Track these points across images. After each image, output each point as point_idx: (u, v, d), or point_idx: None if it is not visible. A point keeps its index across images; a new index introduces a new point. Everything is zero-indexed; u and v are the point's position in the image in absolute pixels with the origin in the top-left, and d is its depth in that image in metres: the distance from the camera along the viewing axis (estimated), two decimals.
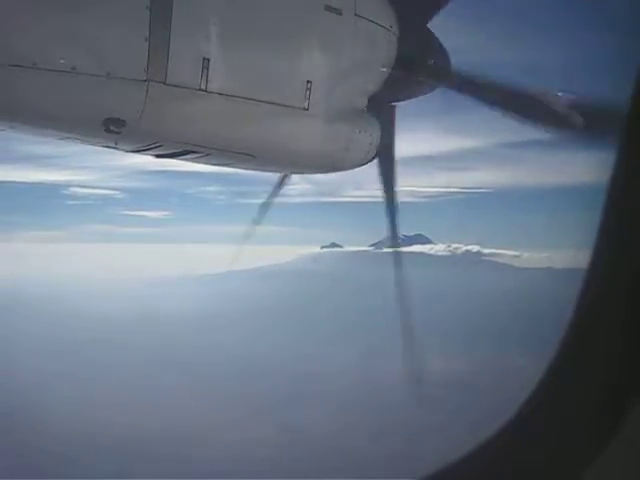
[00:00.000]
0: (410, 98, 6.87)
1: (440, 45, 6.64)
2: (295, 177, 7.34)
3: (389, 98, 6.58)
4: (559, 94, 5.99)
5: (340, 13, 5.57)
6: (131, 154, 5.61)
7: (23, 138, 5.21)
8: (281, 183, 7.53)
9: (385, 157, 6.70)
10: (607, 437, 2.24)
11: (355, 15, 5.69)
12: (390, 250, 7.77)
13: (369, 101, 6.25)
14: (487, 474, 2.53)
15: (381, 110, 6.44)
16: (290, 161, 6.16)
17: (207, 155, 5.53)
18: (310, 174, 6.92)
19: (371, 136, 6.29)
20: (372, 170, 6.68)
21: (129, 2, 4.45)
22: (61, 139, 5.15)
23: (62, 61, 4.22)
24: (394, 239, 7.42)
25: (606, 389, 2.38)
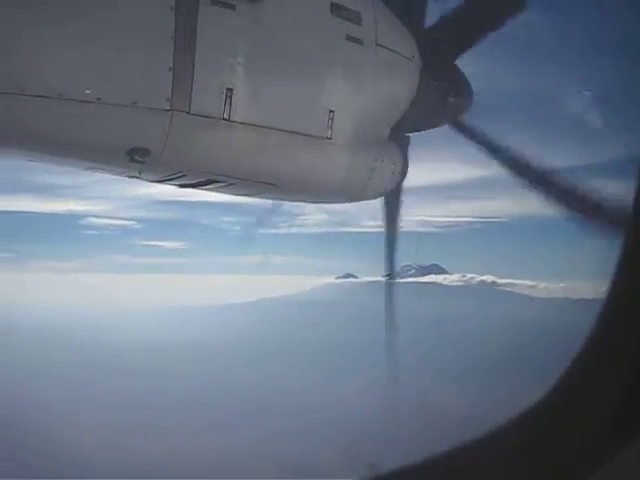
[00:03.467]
0: (429, 128, 6.87)
1: (465, 83, 6.66)
2: (310, 207, 7.34)
3: (409, 128, 6.58)
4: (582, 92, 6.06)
5: (361, 43, 5.59)
6: (147, 184, 5.63)
7: (38, 168, 5.23)
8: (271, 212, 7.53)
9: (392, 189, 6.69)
10: (620, 444, 2.22)
11: (376, 45, 5.71)
12: (386, 280, 7.76)
13: (395, 129, 6.25)
14: (496, 471, 2.47)
15: (397, 139, 6.45)
16: (313, 190, 6.14)
17: (230, 185, 5.52)
18: (332, 203, 6.90)
19: (394, 165, 6.27)
20: None
21: (153, 33, 4.48)
22: (86, 169, 5.17)
23: (88, 91, 4.24)
24: (391, 270, 7.47)
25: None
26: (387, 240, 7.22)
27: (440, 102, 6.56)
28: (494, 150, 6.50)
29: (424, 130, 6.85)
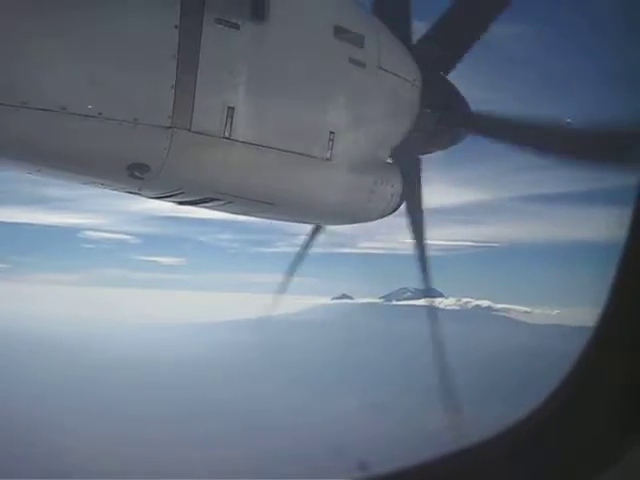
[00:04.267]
0: (433, 151, 6.88)
1: (459, 95, 6.69)
2: (308, 228, 7.34)
3: (414, 150, 6.59)
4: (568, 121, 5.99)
5: (364, 66, 5.61)
6: (143, 199, 5.62)
7: (33, 180, 5.22)
8: (314, 234, 7.53)
9: (414, 208, 6.70)
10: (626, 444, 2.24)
11: (379, 68, 5.74)
12: (423, 303, 7.69)
13: (395, 153, 6.26)
14: (499, 472, 2.45)
15: (407, 162, 6.46)
16: (311, 211, 6.14)
17: (229, 203, 5.51)
18: (331, 225, 6.90)
19: (393, 188, 6.26)
20: (384, 222, 6.65)
21: (156, 50, 4.50)
22: (85, 184, 5.15)
23: (89, 106, 4.25)
24: (428, 291, 7.31)
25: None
26: (419, 261, 7.07)
27: (436, 128, 6.56)
28: (517, 127, 6.35)
29: (423, 154, 6.86)
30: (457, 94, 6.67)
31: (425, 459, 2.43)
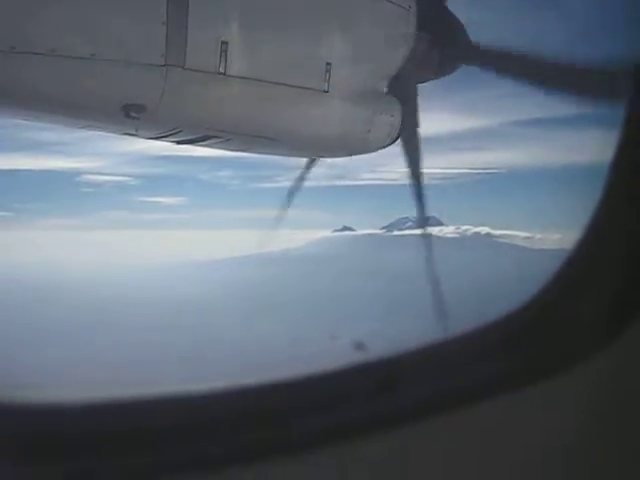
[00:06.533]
0: (431, 79, 6.77)
1: (458, 22, 6.54)
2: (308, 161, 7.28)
3: (411, 79, 6.49)
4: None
5: None
6: (137, 140, 5.59)
7: (29, 125, 5.18)
8: (308, 167, 7.30)
9: (410, 138, 6.60)
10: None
11: None
12: (420, 232, 7.55)
13: (393, 82, 6.16)
14: (500, 355, 2.52)
15: (404, 90, 6.36)
16: (311, 144, 6.10)
17: (227, 140, 5.48)
18: (331, 158, 6.86)
19: (392, 118, 6.20)
20: (385, 153, 6.59)
21: None
22: (82, 127, 5.12)
23: (81, 47, 4.19)
24: (422, 221, 7.25)
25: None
26: (414, 192, 6.82)
27: (434, 54, 6.44)
28: (515, 61, 6.23)
29: (426, 80, 6.75)
30: (455, 21, 6.53)
31: (421, 345, 2.47)
